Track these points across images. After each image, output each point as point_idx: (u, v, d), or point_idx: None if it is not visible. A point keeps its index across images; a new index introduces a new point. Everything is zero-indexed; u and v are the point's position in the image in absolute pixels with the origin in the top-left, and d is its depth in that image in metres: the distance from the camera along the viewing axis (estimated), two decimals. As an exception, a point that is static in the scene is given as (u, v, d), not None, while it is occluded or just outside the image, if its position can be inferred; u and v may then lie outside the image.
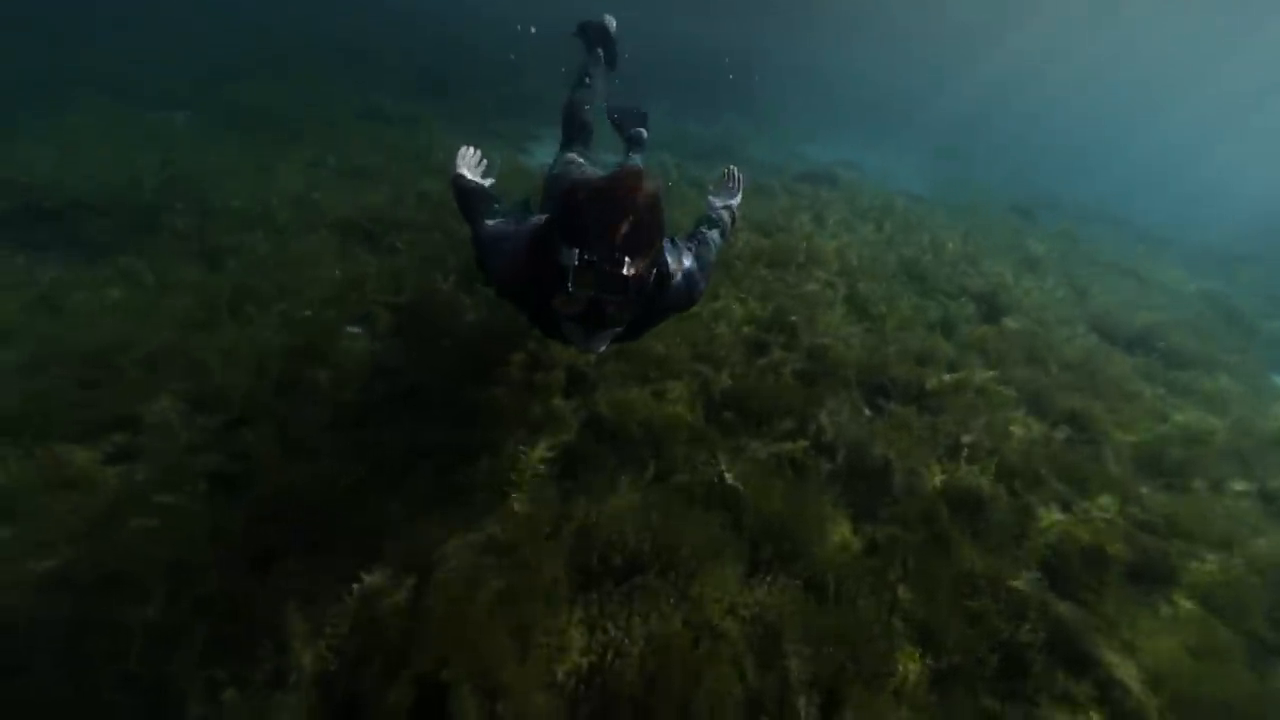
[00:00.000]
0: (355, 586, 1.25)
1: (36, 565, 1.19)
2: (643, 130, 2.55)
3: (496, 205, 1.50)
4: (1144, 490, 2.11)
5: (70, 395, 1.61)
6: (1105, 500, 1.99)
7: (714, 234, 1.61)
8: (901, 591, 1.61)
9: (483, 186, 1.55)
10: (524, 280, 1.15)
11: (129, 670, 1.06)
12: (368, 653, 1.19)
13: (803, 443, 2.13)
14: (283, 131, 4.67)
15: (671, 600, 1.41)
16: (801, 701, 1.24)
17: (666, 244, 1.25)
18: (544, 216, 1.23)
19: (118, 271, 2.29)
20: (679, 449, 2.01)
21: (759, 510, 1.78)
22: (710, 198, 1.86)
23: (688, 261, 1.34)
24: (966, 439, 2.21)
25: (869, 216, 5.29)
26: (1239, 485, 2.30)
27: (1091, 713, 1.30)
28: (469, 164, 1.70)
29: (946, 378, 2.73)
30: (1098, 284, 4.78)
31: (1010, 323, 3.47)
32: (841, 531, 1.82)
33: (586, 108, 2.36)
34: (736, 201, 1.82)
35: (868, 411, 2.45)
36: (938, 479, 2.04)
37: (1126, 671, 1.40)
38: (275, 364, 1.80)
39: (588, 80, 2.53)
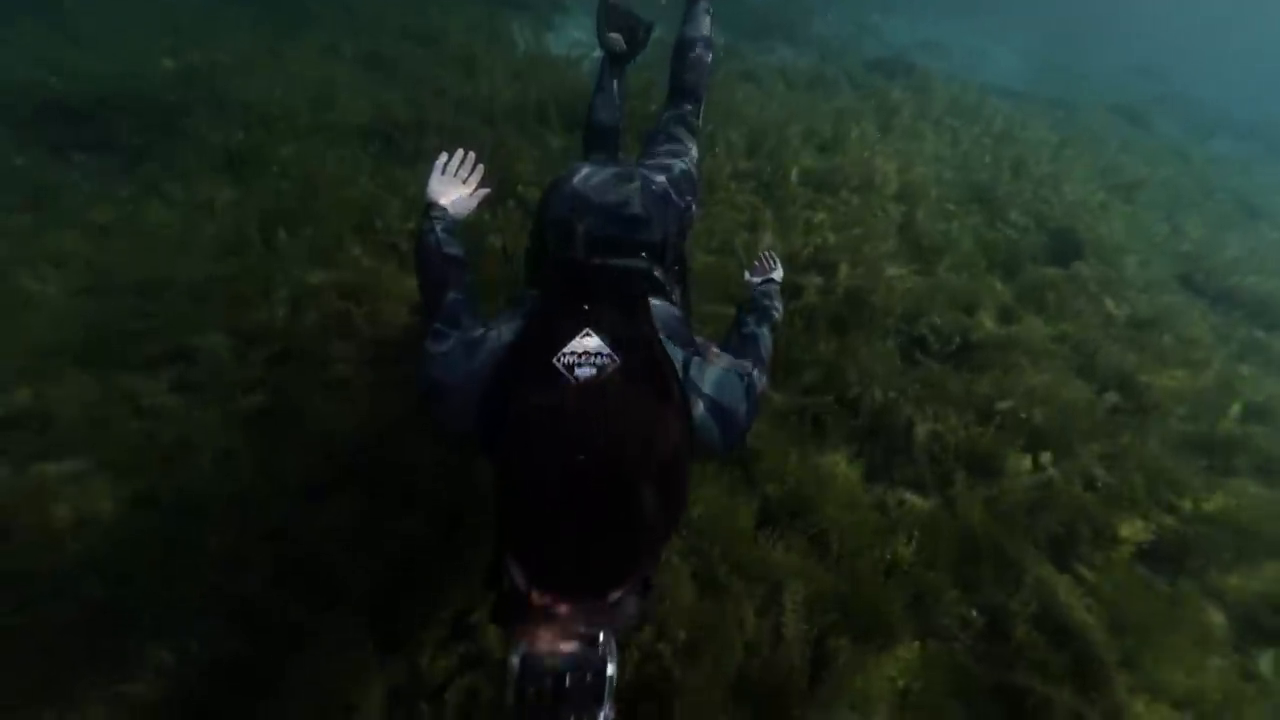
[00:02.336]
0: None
1: (123, 490, 1.37)
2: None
3: (465, 281, 1.08)
4: (1179, 471, 2.03)
5: (126, 325, 1.72)
6: (1134, 480, 1.95)
7: (764, 330, 1.22)
8: (903, 552, 1.68)
9: (456, 259, 1.10)
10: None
11: (210, 588, 1.26)
12: (411, 582, 1.37)
13: (827, 397, 2.12)
14: (295, 10, 4.27)
15: (681, 553, 1.53)
16: (794, 652, 1.38)
17: (681, 354, 0.90)
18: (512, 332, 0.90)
19: (150, 187, 2.30)
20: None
21: (772, 466, 1.83)
22: (749, 276, 1.57)
23: (709, 387, 0.88)
24: (1001, 405, 2.13)
25: (944, 125, 4.62)
26: (1289, 468, 2.19)
27: (1063, 686, 1.41)
28: (450, 181, 1.22)
29: (994, 330, 2.57)
30: (1202, 221, 4.18)
31: (1082, 266, 3.14)
32: (853, 490, 1.87)
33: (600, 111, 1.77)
34: (780, 275, 1.54)
35: (901, 365, 2.37)
36: (960, 443, 2.02)
37: (1105, 647, 1.48)
38: (310, 299, 1.85)
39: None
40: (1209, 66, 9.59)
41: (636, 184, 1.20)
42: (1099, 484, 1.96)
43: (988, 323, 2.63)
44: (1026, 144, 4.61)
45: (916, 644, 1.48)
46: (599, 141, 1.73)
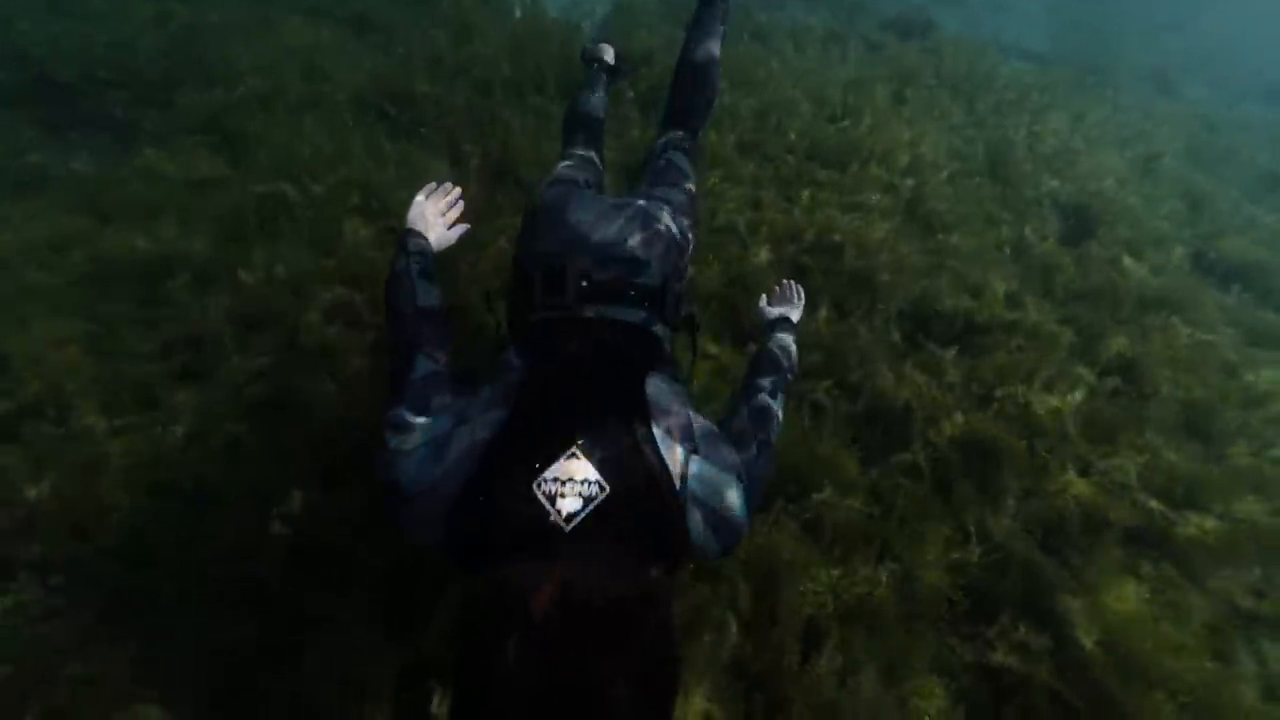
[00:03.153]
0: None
1: (139, 480, 1.42)
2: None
3: (440, 339, 0.96)
4: (1174, 458, 2.06)
5: (132, 312, 1.74)
6: (1127, 467, 1.97)
7: (777, 402, 1.04)
8: (894, 537, 1.74)
9: (431, 314, 0.98)
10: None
11: (227, 574, 1.32)
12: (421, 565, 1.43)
13: (826, 383, 2.13)
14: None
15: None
16: (787, 634, 1.44)
17: (681, 452, 0.79)
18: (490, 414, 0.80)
19: (146, 168, 2.26)
20: (702, 384, 2.05)
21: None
22: (762, 306, 1.42)
23: (708, 496, 0.79)
24: (1000, 392, 2.14)
25: (960, 91, 4.43)
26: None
27: (1040, 665, 1.47)
28: (431, 213, 1.14)
29: (998, 313, 2.55)
30: (1220, 194, 4.05)
31: (1093, 245, 3.08)
32: (848, 476, 1.90)
33: (587, 102, 1.71)
34: (799, 314, 1.38)
35: (903, 348, 2.37)
36: (957, 430, 2.04)
37: (1085, 630, 1.54)
38: (312, 286, 1.85)
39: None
40: (1244, 22, 9.06)
41: (637, 220, 1.10)
42: (1093, 470, 1.99)
43: (993, 305, 2.61)
44: (1044, 112, 4.43)
45: (904, 626, 1.55)
46: (582, 129, 1.60)
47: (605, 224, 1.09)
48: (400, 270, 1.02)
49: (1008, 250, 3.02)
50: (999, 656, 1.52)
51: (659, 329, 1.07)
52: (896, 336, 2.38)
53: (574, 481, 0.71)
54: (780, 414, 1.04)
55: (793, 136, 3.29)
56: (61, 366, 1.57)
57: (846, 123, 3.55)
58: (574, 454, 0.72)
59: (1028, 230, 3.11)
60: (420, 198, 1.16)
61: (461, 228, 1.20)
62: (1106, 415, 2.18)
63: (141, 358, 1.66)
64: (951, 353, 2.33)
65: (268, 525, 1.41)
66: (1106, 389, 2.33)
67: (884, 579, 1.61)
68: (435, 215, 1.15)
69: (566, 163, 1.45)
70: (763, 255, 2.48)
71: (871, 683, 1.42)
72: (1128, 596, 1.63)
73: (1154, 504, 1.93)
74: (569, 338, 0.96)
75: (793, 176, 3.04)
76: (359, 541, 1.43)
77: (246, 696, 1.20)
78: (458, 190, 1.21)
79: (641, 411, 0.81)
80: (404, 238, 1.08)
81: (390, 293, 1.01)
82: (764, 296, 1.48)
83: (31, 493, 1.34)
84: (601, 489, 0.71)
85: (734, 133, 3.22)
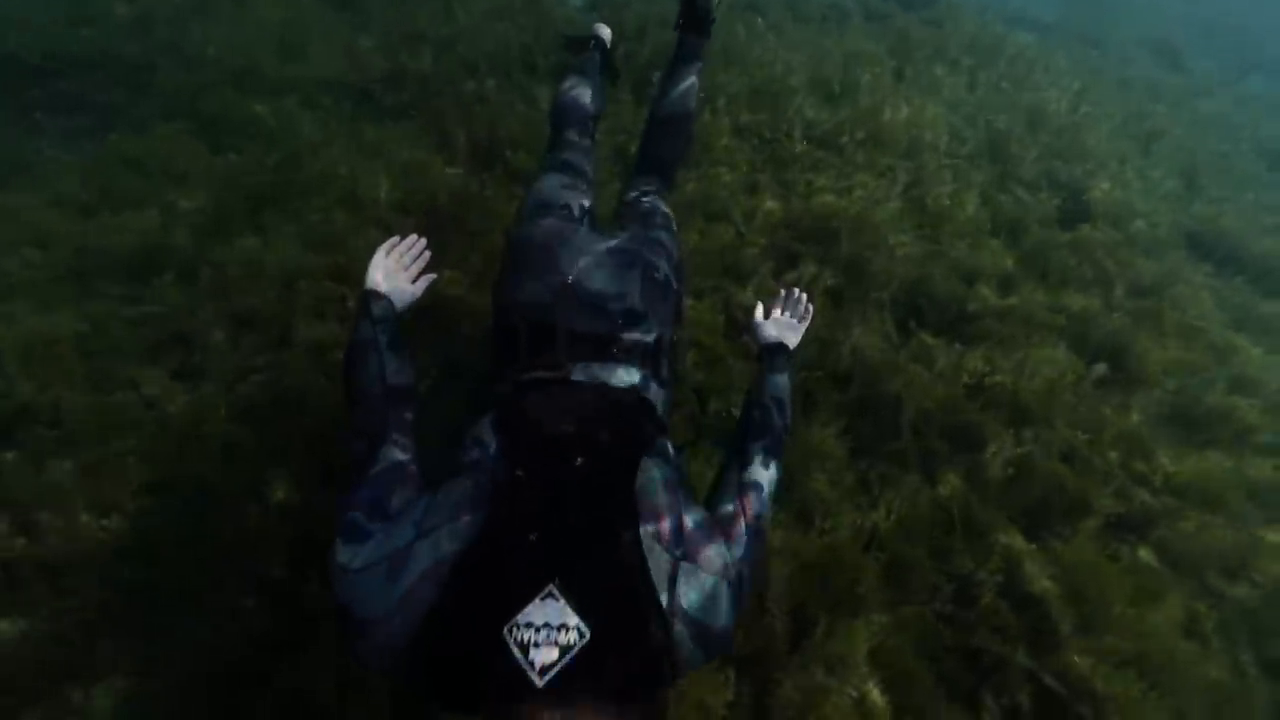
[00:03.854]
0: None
1: (139, 480, 1.43)
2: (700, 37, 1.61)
3: (405, 422, 0.87)
4: (1156, 444, 2.10)
5: (122, 312, 1.72)
6: (1110, 454, 2.02)
7: (771, 471, 0.95)
8: (882, 525, 1.78)
9: (398, 392, 0.89)
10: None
11: (233, 569, 1.35)
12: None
13: (818, 372, 2.15)
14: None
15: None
16: (775, 620, 1.50)
17: (667, 562, 0.72)
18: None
19: (126, 159, 2.21)
20: (692, 374, 2.07)
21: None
22: (759, 322, 1.26)
23: (695, 608, 0.72)
24: (989, 380, 2.17)
25: (962, 66, 4.33)
26: (1263, 438, 2.26)
27: (1018, 647, 1.54)
28: (394, 268, 1.05)
29: (992, 301, 2.56)
30: (1219, 175, 4.02)
31: (1090, 230, 3.06)
32: (838, 465, 1.94)
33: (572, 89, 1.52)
34: (798, 338, 1.25)
35: (896, 337, 2.38)
36: (945, 419, 2.07)
37: (1061, 613, 1.61)
38: (302, 283, 1.83)
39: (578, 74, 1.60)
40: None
41: (635, 269, 1.01)
42: (1077, 458, 2.03)
43: (986, 292, 2.61)
44: (1047, 88, 4.34)
45: (889, 611, 1.60)
46: (574, 124, 1.41)
47: (600, 271, 1.00)
48: (365, 341, 0.91)
49: (1004, 234, 3.01)
50: (979, 638, 1.59)
51: (654, 390, 0.98)
52: (890, 325, 2.39)
53: (550, 628, 0.62)
54: (774, 485, 0.94)
55: (789, 118, 3.22)
56: (53, 366, 1.56)
57: (845, 102, 3.48)
58: (550, 593, 0.64)
59: (1024, 214, 3.09)
60: (380, 254, 1.06)
61: (427, 279, 1.10)
62: (1092, 401, 2.22)
63: (132, 356, 1.66)
64: (943, 341, 2.35)
65: (267, 522, 1.43)
66: (1095, 375, 2.36)
67: (870, 566, 1.66)
68: (398, 271, 1.06)
69: (555, 177, 1.31)
70: (759, 244, 2.46)
71: (859, 667, 1.48)
72: (1104, 581, 1.68)
73: (1135, 489, 1.99)
74: (553, 418, 0.82)
75: (789, 160, 3.00)
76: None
77: (247, 691, 1.25)
78: (421, 241, 1.11)
79: (629, 516, 0.73)
80: (366, 301, 0.96)
81: (353, 367, 0.89)
82: (760, 306, 1.31)
83: (29, 493, 1.36)
84: (581, 635, 0.62)
85: (729, 115, 3.15)
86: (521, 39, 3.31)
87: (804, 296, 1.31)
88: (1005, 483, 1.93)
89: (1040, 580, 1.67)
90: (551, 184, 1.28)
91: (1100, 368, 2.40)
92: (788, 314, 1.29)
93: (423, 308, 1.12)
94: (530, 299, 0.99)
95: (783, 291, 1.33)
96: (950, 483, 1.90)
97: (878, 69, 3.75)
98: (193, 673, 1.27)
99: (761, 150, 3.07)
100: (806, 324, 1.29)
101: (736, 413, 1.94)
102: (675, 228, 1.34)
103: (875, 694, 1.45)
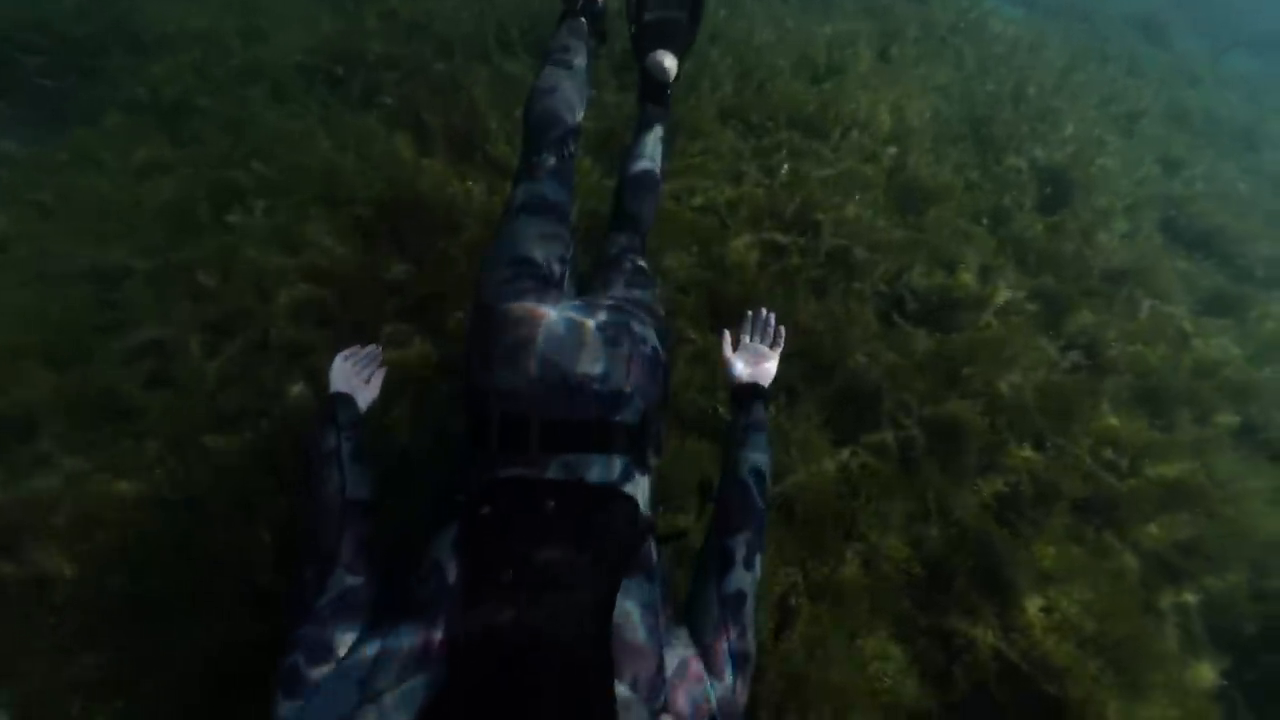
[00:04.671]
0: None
1: (121, 492, 1.43)
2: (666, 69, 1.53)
3: (361, 543, 0.82)
4: (1122, 430, 2.19)
5: (91, 318, 1.68)
6: (1079, 440, 2.10)
7: (749, 580, 0.87)
8: (861, 516, 1.85)
9: (355, 508, 0.84)
10: None
11: (223, 578, 1.37)
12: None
13: (801, 368, 2.18)
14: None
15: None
16: (759, 611, 1.56)
17: (636, 702, 0.66)
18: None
19: (84, 154, 2.11)
20: (679, 370, 2.08)
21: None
22: (728, 358, 1.16)
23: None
24: (968, 370, 2.22)
25: (949, 44, 4.28)
26: (1223, 419, 2.36)
27: (987, 628, 1.63)
28: (353, 374, 1.08)
29: (972, 290, 2.60)
30: (1197, 155, 4.07)
31: (1068, 215, 3.11)
32: (820, 456, 1.99)
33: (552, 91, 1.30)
34: (771, 377, 1.15)
35: (878, 328, 2.41)
36: (924, 409, 2.13)
37: (1029, 599, 1.70)
38: (277, 286, 1.80)
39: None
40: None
41: (621, 344, 0.92)
42: (1048, 444, 2.11)
43: (967, 280, 2.65)
44: (1032, 67, 4.32)
45: (868, 598, 1.68)
46: (549, 148, 1.24)
47: (582, 351, 0.90)
48: (330, 451, 0.88)
49: (985, 220, 3.04)
50: (951, 621, 1.67)
51: (637, 478, 0.90)
52: (871, 316, 2.43)
53: None
54: (757, 587, 0.87)
55: (776, 100, 3.18)
56: (23, 379, 1.53)
57: (829, 84, 3.44)
58: None
59: (1006, 199, 3.12)
60: (340, 360, 1.10)
61: (380, 375, 1.15)
62: (1064, 390, 2.29)
63: (105, 365, 1.62)
64: (923, 332, 2.39)
65: (255, 531, 1.44)
66: (1068, 363, 2.43)
67: (850, 557, 1.73)
68: (358, 378, 1.09)
69: (530, 223, 1.13)
70: (743, 238, 2.46)
71: (838, 652, 1.56)
72: (1069, 563, 1.78)
73: (1102, 474, 2.08)
74: (523, 542, 0.75)
75: (773, 148, 2.97)
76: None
77: (242, 693, 1.28)
78: (377, 349, 1.18)
79: (604, 670, 0.65)
80: (332, 407, 0.96)
81: (315, 477, 0.86)
82: (727, 338, 1.20)
83: (15, 513, 1.35)
84: None
85: (713, 100, 3.10)
86: (497, 15, 3.18)
87: (771, 318, 1.23)
88: (980, 471, 2.00)
89: (1009, 564, 1.76)
90: (527, 232, 1.13)
91: (1074, 355, 2.47)
92: (756, 339, 1.21)
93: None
94: (502, 385, 0.89)
95: (749, 313, 1.25)
96: (928, 472, 1.97)
97: (862, 51, 3.69)
98: (185, 675, 1.30)
99: (746, 136, 3.04)
100: (779, 351, 1.20)
101: (724, 411, 1.98)
102: (658, 288, 1.28)
103: (857, 681, 1.53)
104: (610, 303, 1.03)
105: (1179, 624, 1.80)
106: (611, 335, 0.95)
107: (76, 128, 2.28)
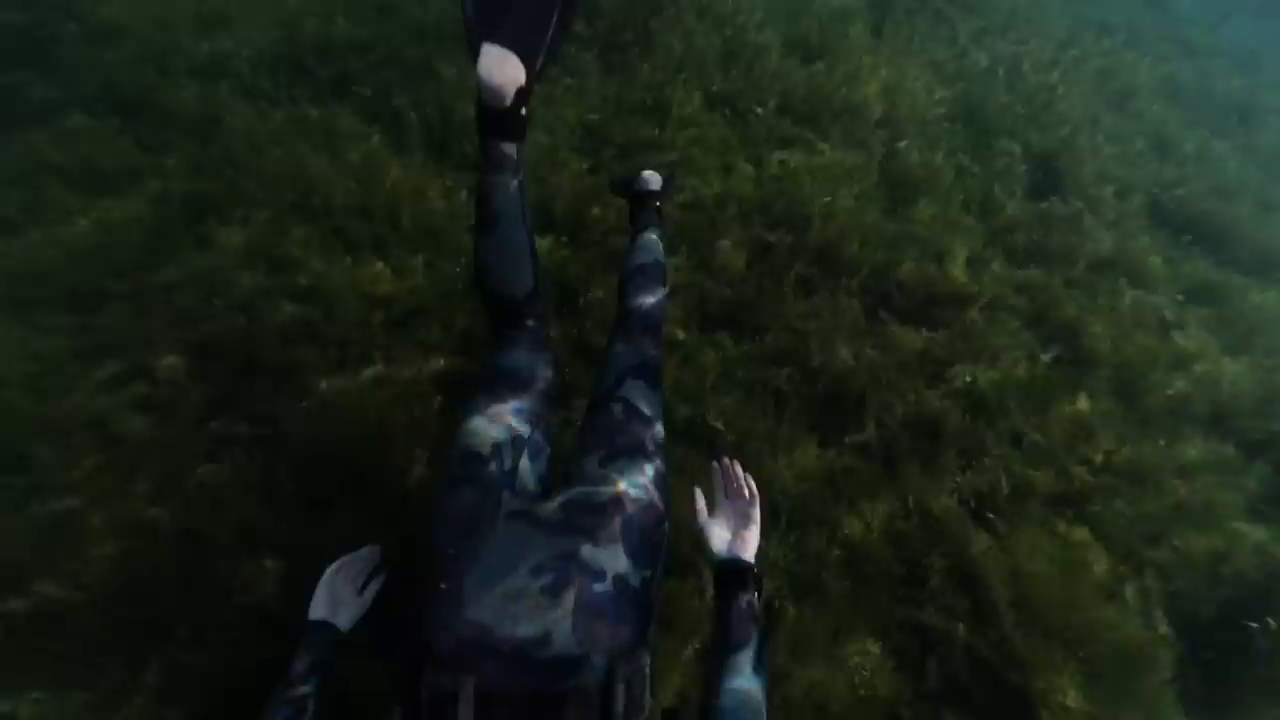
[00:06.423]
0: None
1: (120, 522, 1.45)
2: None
3: None
4: (1097, 425, 2.26)
5: (69, 343, 1.66)
6: (1056, 437, 2.17)
7: None
8: (844, 520, 1.92)
9: None
10: None
11: (230, 604, 1.41)
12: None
13: (787, 369, 2.21)
14: None
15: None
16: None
17: None
18: None
19: (45, 164, 2.03)
20: (669, 373, 2.10)
21: (735, 447, 1.98)
22: (705, 526, 0.99)
23: None
24: (950, 371, 2.26)
25: (944, 18, 4.14)
26: (1196, 409, 2.44)
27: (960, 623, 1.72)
28: (343, 591, 0.98)
29: (959, 283, 2.61)
30: (1188, 133, 4.03)
31: (1056, 203, 3.10)
32: (806, 461, 2.05)
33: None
34: (754, 549, 0.96)
35: (865, 325, 2.43)
36: (907, 408, 2.18)
37: (1000, 590, 1.79)
38: (260, 305, 1.78)
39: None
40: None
41: (568, 600, 0.74)
42: (1025, 442, 2.18)
43: (954, 273, 2.66)
44: (1028, 41, 4.21)
45: (849, 597, 1.76)
46: (504, 314, 1.09)
47: (511, 607, 0.74)
48: (295, 699, 0.82)
49: (975, 209, 3.03)
50: (927, 616, 1.77)
51: None
52: (859, 313, 2.44)
53: None
54: None
55: (763, 84, 3.09)
56: (6, 412, 1.52)
57: (820, 64, 3.33)
58: None
59: (996, 187, 3.10)
60: (329, 575, 0.98)
61: (377, 585, 1.02)
62: (1044, 384, 2.34)
63: (90, 394, 1.61)
64: (909, 329, 2.42)
65: (260, 558, 1.48)
66: (1049, 357, 2.48)
67: (833, 558, 1.80)
68: (349, 590, 0.98)
69: (484, 399, 1.00)
70: (731, 236, 2.45)
71: (821, 650, 1.65)
72: (1040, 558, 1.87)
73: (1076, 469, 2.15)
74: None
75: (762, 137, 2.90)
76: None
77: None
78: (376, 551, 1.03)
79: None
80: (309, 639, 0.89)
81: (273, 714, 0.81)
82: (700, 500, 1.02)
83: (17, 552, 1.37)
84: None
85: (701, 85, 3.01)
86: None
87: (737, 467, 1.04)
88: (959, 472, 2.07)
89: (983, 561, 1.85)
90: (475, 416, 0.98)
91: (1055, 348, 2.52)
92: (730, 498, 1.02)
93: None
94: (436, 646, 0.74)
95: (717, 466, 1.06)
96: (909, 473, 2.03)
97: (857, 28, 3.57)
98: (195, 699, 1.35)
99: (733, 124, 2.97)
100: (758, 509, 1.00)
101: (714, 422, 2.01)
102: (661, 435, 1.04)
103: (837, 677, 1.63)
104: (558, 521, 0.84)
105: (1141, 611, 1.92)
106: (550, 584, 0.76)
107: (35, 130, 2.18)
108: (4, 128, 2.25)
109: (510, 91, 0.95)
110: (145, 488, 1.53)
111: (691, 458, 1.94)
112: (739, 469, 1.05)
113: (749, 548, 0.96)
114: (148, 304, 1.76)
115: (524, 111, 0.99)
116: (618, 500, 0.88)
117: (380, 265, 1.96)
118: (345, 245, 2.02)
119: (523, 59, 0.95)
